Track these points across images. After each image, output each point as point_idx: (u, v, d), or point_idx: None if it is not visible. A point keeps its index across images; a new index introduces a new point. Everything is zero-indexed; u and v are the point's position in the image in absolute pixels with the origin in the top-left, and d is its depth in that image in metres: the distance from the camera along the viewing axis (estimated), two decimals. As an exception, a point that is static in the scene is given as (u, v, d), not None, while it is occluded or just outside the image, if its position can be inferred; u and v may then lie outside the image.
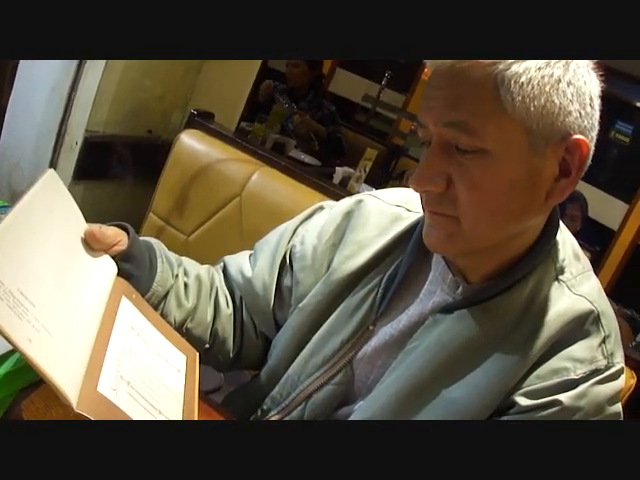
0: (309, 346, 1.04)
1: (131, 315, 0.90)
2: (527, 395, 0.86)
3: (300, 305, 1.07)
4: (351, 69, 6.74)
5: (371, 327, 1.00)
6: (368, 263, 1.02)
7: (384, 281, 1.00)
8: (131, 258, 0.98)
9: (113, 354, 0.81)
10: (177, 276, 1.08)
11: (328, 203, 1.17)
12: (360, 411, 0.98)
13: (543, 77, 0.76)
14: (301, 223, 1.15)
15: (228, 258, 1.20)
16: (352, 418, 0.98)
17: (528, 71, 0.76)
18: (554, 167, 0.81)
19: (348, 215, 1.08)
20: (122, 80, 2.15)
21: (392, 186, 1.28)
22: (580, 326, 0.88)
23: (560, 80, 0.77)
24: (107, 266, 0.94)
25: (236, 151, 1.92)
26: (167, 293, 1.05)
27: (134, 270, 0.98)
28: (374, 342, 1.00)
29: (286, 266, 1.12)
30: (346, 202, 1.11)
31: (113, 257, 0.95)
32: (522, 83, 0.76)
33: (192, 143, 1.92)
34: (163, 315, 1.03)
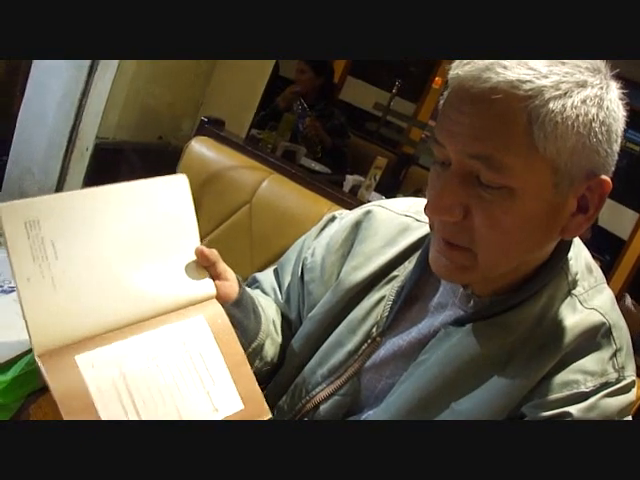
0: (316, 356, 1.04)
1: (196, 335, 0.88)
2: (537, 407, 0.86)
3: (309, 315, 1.06)
4: (361, 77, 6.74)
5: (378, 339, 0.99)
6: (375, 274, 1.02)
7: (392, 293, 1.00)
8: (241, 306, 0.98)
9: (126, 348, 0.81)
10: (273, 321, 1.10)
11: (340, 213, 1.16)
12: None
13: (578, 117, 0.73)
14: (316, 236, 1.15)
15: (260, 276, 1.20)
16: (360, 428, 0.97)
17: (564, 109, 0.73)
18: (573, 204, 0.80)
19: (357, 226, 1.08)
20: (132, 87, 2.16)
21: (403, 195, 1.27)
22: (592, 338, 0.87)
23: (594, 120, 0.74)
24: (202, 287, 0.93)
25: (246, 158, 1.91)
26: (268, 336, 1.06)
27: (244, 319, 0.99)
28: (382, 353, 0.99)
29: (299, 279, 1.12)
30: (355, 213, 1.10)
31: (223, 304, 0.93)
32: (557, 122, 0.73)
33: (202, 150, 1.91)
34: (261, 357, 1.04)
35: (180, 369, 0.85)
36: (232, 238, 1.80)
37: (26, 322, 0.75)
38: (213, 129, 2.05)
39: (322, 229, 1.15)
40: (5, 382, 0.87)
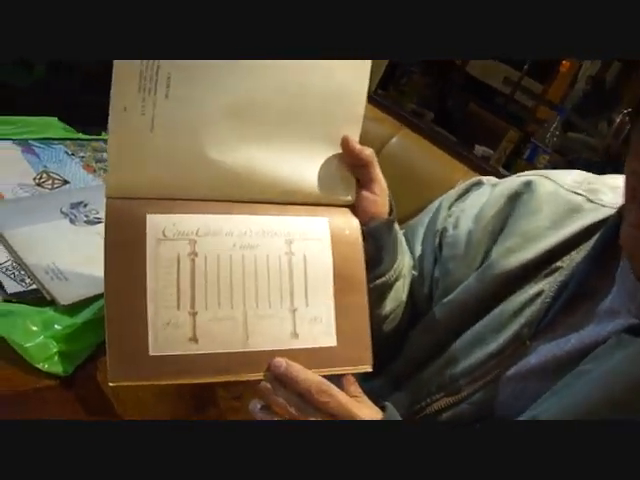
0: (449, 352, 0.86)
1: (310, 238, 0.72)
2: None
3: (445, 300, 0.88)
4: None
5: (528, 342, 0.80)
6: (535, 261, 0.82)
7: (553, 288, 0.80)
8: (382, 232, 0.82)
9: (213, 224, 0.67)
10: (404, 275, 0.93)
11: (489, 178, 0.98)
12: None
13: None
14: (456, 201, 0.97)
15: None
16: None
17: None
18: None
19: (514, 198, 0.88)
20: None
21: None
22: None
23: None
24: (340, 189, 0.77)
25: (376, 110, 1.76)
26: (395, 282, 0.89)
27: (378, 250, 0.82)
28: (532, 361, 0.80)
29: (435, 252, 0.94)
30: (511, 181, 0.91)
31: (367, 223, 0.79)
32: None
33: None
34: (376, 302, 0.87)
35: (270, 270, 0.68)
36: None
37: (108, 157, 0.64)
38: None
39: (464, 194, 0.97)
40: (74, 326, 0.72)
